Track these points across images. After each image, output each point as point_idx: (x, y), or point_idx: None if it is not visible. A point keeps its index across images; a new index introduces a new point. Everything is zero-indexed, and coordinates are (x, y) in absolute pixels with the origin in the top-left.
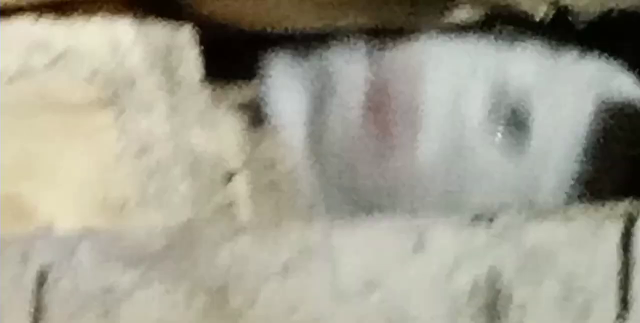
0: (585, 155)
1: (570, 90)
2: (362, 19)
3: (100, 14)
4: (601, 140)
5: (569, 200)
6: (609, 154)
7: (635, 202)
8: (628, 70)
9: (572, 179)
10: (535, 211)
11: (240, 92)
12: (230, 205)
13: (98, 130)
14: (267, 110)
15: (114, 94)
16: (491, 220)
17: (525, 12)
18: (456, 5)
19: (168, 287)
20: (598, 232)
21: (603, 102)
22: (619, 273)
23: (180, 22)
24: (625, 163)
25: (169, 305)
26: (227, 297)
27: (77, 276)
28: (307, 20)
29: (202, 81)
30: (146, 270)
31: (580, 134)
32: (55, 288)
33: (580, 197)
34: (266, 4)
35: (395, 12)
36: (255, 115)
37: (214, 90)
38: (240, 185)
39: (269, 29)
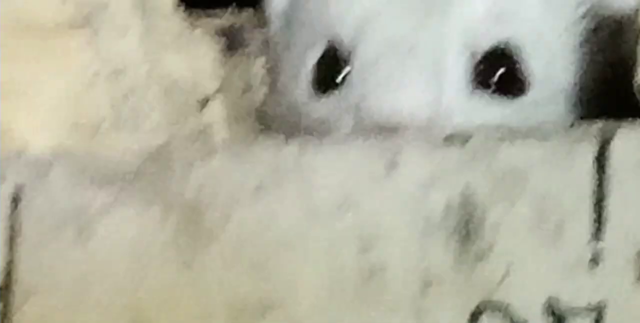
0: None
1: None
2: None
3: None
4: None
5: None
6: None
7: (610, 121)
8: None
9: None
10: (508, 131)
11: (216, 18)
12: (205, 129)
13: (71, 52)
14: (243, 34)
15: (87, 16)
16: (464, 140)
17: None
18: None
19: (142, 206)
20: (572, 151)
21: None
22: (593, 193)
23: None
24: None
25: (142, 224)
26: (200, 216)
27: (51, 196)
28: None
29: (177, 6)
30: (120, 190)
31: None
32: (29, 208)
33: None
34: None
35: None
36: (231, 40)
37: (189, 15)
38: (216, 110)
39: None
